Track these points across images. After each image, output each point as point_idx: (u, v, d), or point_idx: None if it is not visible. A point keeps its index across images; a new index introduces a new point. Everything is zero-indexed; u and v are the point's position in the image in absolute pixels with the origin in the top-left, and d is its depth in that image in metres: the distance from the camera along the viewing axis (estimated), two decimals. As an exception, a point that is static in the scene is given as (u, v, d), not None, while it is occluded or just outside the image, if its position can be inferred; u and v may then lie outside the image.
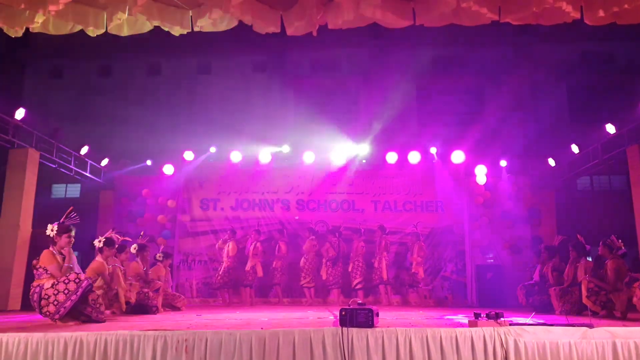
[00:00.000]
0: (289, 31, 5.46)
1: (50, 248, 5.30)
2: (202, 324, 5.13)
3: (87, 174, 11.20)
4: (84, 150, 10.79)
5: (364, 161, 11.63)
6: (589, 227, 10.13)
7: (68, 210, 5.50)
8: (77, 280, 5.11)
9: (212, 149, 11.56)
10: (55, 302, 5.01)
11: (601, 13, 5.14)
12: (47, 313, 5.05)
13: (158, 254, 8.48)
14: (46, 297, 5.04)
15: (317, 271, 10.40)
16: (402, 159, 11.32)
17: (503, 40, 13.95)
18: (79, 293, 5.07)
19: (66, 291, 5.04)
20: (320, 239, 10.61)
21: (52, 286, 5.06)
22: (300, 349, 3.91)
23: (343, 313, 4.01)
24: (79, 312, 5.21)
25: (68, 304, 5.03)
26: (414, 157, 11.26)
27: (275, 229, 10.94)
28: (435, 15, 5.35)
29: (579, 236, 7.46)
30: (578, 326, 4.10)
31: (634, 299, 5.67)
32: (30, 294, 5.20)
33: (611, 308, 6.21)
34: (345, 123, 14.36)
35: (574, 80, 14.54)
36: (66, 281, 5.09)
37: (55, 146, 10.11)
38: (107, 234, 6.88)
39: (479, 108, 14.48)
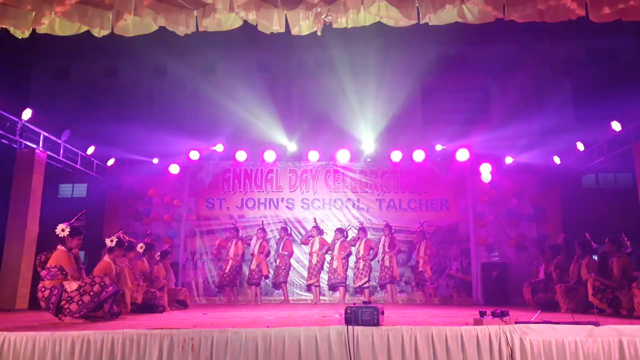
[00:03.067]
0: (294, 31, 5.48)
1: (63, 248, 5.34)
2: (208, 322, 5.15)
3: (94, 174, 11.26)
4: (91, 150, 10.85)
5: (369, 160, 11.65)
6: (594, 225, 10.07)
7: (80, 213, 5.54)
8: (102, 284, 5.25)
9: (219, 147, 11.57)
10: (80, 302, 5.12)
11: (606, 10, 5.12)
12: (67, 311, 5.12)
13: (157, 254, 8.53)
14: (69, 299, 5.13)
15: (323, 270, 10.43)
16: (407, 157, 11.33)
17: (508, 38, 13.88)
18: (102, 296, 5.22)
19: (92, 293, 5.16)
20: (325, 238, 10.63)
21: (77, 289, 5.16)
22: (306, 348, 3.92)
23: (348, 311, 4.02)
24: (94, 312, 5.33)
25: (91, 305, 5.18)
26: (419, 155, 11.27)
27: (280, 228, 10.97)
28: (440, 13, 5.36)
29: (586, 234, 7.44)
30: (584, 324, 4.09)
31: (635, 300, 5.65)
32: (47, 295, 5.18)
33: (617, 306, 6.19)
34: (350, 121, 14.36)
35: (579, 77, 14.46)
36: (92, 283, 5.22)
37: (62, 146, 10.18)
38: (117, 234, 6.90)
39: (483, 106, 14.43)
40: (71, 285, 5.16)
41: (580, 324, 4.10)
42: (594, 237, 7.42)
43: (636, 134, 8.96)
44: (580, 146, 10.39)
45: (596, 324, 4.07)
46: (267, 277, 10.47)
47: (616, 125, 9.22)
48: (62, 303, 5.12)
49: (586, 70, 14.36)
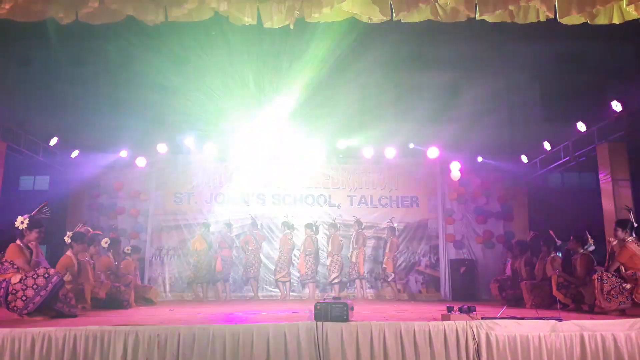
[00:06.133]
0: (266, 23, 5.40)
1: (17, 241, 5.14)
2: (175, 319, 5.06)
3: (57, 166, 10.91)
4: (54, 141, 10.50)
5: (340, 156, 11.65)
6: (559, 223, 10.31)
7: (41, 205, 5.34)
8: (46, 275, 4.95)
9: (188, 140, 11.37)
10: (24, 298, 4.84)
11: (574, 13, 5.24)
12: (15, 308, 4.88)
13: (126, 248, 8.35)
14: (14, 292, 4.87)
15: (292, 265, 10.39)
16: (379, 154, 11.38)
17: (478, 37, 14.08)
18: (48, 288, 4.91)
19: (35, 286, 4.87)
20: (296, 233, 10.59)
21: (20, 281, 4.89)
22: (275, 344, 3.88)
23: (318, 307, 4.01)
24: (49, 308, 5.06)
25: (37, 299, 4.87)
26: (390, 152, 11.34)
27: (250, 223, 10.85)
28: (413, 11, 5.37)
29: (550, 231, 7.62)
30: (547, 319, 4.19)
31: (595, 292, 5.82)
32: None
33: (580, 301, 6.37)
34: (322, 117, 14.33)
35: (547, 78, 14.80)
36: (35, 276, 4.93)
37: (23, 137, 9.82)
38: (77, 229, 6.72)
39: (454, 104, 14.62)
40: (15, 278, 4.94)
41: (543, 319, 4.19)
42: (559, 234, 7.61)
43: (600, 135, 9.22)
44: (546, 146, 10.64)
45: (559, 320, 4.17)
46: (219, 272, 10.23)
47: (581, 126, 9.47)
48: (9, 298, 4.88)
49: (554, 72, 14.71)
